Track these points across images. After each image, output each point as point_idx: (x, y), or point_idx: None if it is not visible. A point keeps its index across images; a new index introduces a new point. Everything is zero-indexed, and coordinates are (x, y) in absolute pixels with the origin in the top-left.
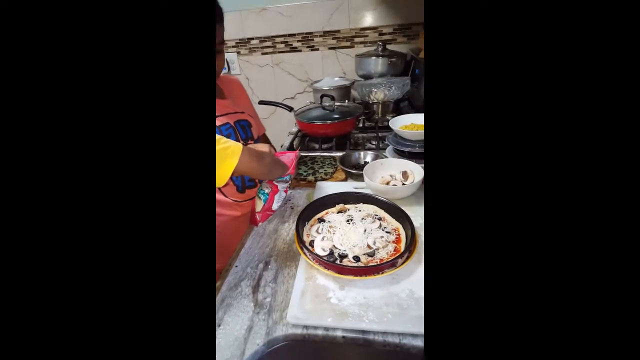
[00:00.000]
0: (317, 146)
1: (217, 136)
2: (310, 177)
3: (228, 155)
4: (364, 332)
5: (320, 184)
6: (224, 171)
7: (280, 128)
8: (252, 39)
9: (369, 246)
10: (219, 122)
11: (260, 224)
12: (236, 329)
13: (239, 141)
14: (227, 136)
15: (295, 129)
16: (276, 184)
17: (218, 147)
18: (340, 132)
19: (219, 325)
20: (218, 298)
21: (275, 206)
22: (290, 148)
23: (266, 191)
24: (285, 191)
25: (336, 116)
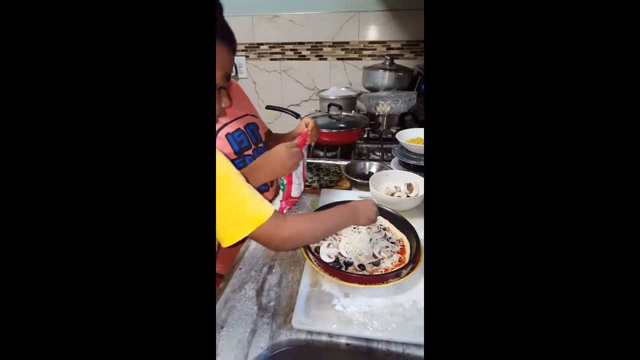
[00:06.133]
0: (321, 154)
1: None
2: (315, 184)
3: (247, 220)
4: (367, 340)
5: (325, 191)
6: (233, 233)
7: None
8: (262, 44)
9: (374, 255)
10: (230, 128)
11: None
12: (240, 332)
13: (252, 146)
14: (240, 142)
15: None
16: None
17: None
18: (345, 142)
19: (222, 327)
20: (222, 300)
21: (295, 192)
22: None
23: (284, 181)
24: (303, 173)
25: (342, 125)
